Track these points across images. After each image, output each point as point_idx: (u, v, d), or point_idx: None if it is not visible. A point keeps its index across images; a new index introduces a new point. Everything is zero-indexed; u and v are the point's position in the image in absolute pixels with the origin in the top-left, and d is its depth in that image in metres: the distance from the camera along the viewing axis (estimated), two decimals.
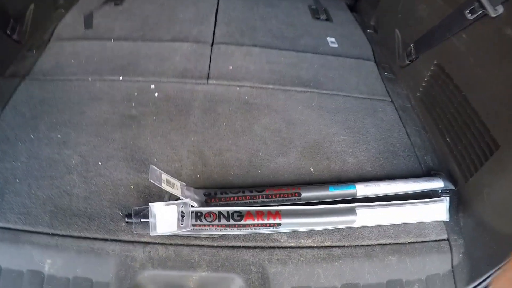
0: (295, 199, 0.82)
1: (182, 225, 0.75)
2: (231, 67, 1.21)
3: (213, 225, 0.75)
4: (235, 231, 0.76)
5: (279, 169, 0.91)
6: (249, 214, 0.77)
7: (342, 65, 1.28)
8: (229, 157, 0.94)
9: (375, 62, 1.34)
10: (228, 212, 0.76)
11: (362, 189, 0.84)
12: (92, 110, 1.02)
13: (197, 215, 0.75)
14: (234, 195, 0.84)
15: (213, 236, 0.79)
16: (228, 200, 0.83)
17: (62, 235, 0.78)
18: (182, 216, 0.75)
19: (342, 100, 1.13)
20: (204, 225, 0.75)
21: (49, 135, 0.94)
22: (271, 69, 1.22)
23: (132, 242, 0.78)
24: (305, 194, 0.82)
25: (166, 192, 0.79)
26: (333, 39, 1.41)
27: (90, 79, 1.11)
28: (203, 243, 0.79)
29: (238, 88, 1.13)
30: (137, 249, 0.77)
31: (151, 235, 0.74)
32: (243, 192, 0.84)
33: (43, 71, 1.13)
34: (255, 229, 0.76)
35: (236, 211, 0.76)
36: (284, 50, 1.31)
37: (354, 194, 0.83)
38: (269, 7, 1.58)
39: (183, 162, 0.93)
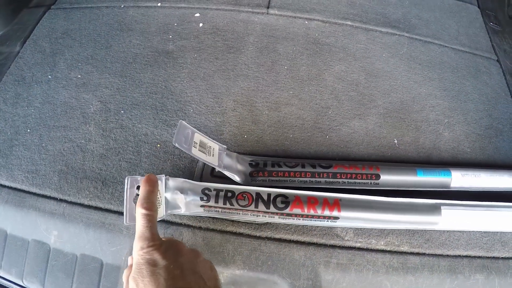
0: (371, 182, 0.71)
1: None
2: None
3: (247, 211, 0.64)
4: (277, 219, 0.65)
5: (353, 137, 0.81)
6: (298, 201, 0.64)
7: (439, 6, 1.18)
8: (288, 114, 0.83)
9: (479, 7, 1.23)
10: (269, 195, 0.65)
11: (459, 179, 0.72)
12: (120, 44, 0.95)
13: (227, 196, 0.64)
14: (290, 169, 0.71)
15: (255, 222, 0.67)
16: (280, 176, 0.70)
17: (70, 202, 0.73)
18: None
19: (438, 51, 1.03)
20: (236, 209, 0.64)
21: (68, 74, 0.89)
22: (350, 1, 1.11)
23: None
24: (385, 177, 0.71)
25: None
26: None
27: (122, 6, 1.04)
28: (242, 230, 0.68)
29: (306, 22, 1.03)
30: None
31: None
32: (303, 166, 0.71)
33: None
34: (303, 220, 0.65)
35: (280, 195, 0.65)
36: None
37: (448, 185, 0.72)
38: None
39: (227, 116, 0.81)
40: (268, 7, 1.05)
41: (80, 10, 1.06)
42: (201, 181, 0.71)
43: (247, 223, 0.68)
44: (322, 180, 0.71)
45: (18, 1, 1.10)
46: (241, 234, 0.67)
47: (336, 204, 0.65)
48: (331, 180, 0.71)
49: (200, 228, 0.68)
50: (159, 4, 1.04)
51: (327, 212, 0.65)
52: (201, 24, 0.98)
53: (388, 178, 0.72)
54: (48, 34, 1.01)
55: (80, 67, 0.91)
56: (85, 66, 0.91)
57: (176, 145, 0.62)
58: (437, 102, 0.91)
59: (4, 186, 0.77)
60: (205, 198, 0.64)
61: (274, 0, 1.07)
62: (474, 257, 0.69)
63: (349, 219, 0.66)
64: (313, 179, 0.71)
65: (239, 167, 0.70)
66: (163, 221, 0.69)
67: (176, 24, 0.99)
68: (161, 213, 0.62)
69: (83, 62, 0.92)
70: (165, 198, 0.63)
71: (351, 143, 0.81)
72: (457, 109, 0.90)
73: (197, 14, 1.00)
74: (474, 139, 0.85)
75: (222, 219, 0.68)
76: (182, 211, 0.65)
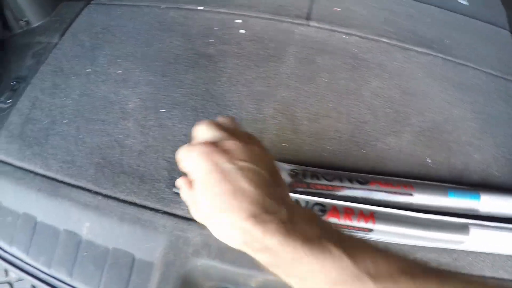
0: (405, 200, 0.76)
1: None
2: (337, 9, 1.17)
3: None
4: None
5: (388, 153, 0.86)
6: (335, 211, 0.70)
7: (472, 28, 1.24)
8: (327, 126, 0.88)
9: (510, 32, 1.26)
10: (307, 203, 0.71)
11: (487, 202, 0.76)
12: (161, 44, 1.02)
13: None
14: (328, 182, 0.75)
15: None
16: (318, 188, 0.75)
17: (106, 195, 0.78)
18: None
19: (470, 73, 1.07)
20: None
21: (108, 69, 0.95)
22: (387, 18, 1.18)
23: (188, 219, 0.74)
24: (418, 196, 0.76)
25: None
26: None
27: (163, 6, 1.10)
28: None
29: (345, 37, 1.09)
30: (192, 230, 0.73)
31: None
32: (341, 180, 0.76)
33: None
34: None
35: (318, 203, 0.71)
36: None
37: (475, 207, 0.76)
38: None
39: (268, 124, 0.86)
40: (308, 19, 1.11)
41: (120, 7, 1.13)
42: None
43: None
44: (359, 196, 0.75)
45: None
46: None
47: (371, 216, 0.70)
48: (367, 196, 0.75)
49: None
50: (200, 8, 1.11)
51: (362, 224, 0.70)
52: (242, 31, 1.05)
53: (421, 196, 0.76)
54: (88, 28, 1.07)
55: (120, 63, 0.97)
56: (125, 62, 0.97)
57: None
58: (468, 124, 0.94)
59: (38, 174, 0.82)
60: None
61: (314, 13, 1.13)
62: (499, 279, 0.72)
63: (383, 233, 0.70)
64: (350, 194, 0.75)
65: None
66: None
67: (218, 28, 1.05)
68: None
69: (123, 58, 0.98)
70: None
71: (386, 159, 0.85)
72: (487, 132, 0.92)
73: (239, 21, 1.07)
74: (503, 163, 0.87)
75: None
76: None
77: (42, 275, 0.78)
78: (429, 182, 0.81)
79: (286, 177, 0.76)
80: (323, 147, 0.85)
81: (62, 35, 1.06)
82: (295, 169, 0.77)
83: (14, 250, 0.80)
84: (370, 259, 0.31)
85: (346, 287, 0.30)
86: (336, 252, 0.31)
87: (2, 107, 0.96)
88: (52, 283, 0.77)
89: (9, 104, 0.95)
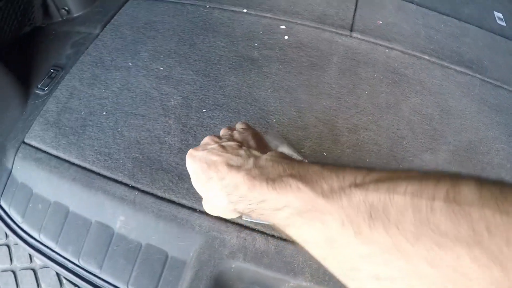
0: None
1: None
2: (380, 22, 1.22)
3: None
4: None
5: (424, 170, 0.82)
6: None
7: (510, 50, 1.26)
8: (367, 138, 0.91)
9: None
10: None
11: None
12: (205, 43, 1.04)
13: None
14: None
15: None
16: None
17: (143, 191, 0.80)
18: None
19: (507, 96, 1.12)
20: None
21: (150, 65, 0.98)
22: (428, 35, 1.22)
23: (226, 220, 0.76)
24: None
25: None
26: (500, 15, 1.42)
27: (207, 6, 1.14)
28: None
29: (387, 51, 1.13)
30: (230, 232, 0.75)
31: None
32: None
33: None
34: None
35: None
36: (444, 15, 1.33)
37: None
38: None
39: (309, 131, 0.89)
40: (351, 30, 1.14)
41: (164, 3, 1.16)
42: None
43: None
44: None
45: None
46: None
47: None
48: None
49: (273, 236, 0.74)
50: (245, 10, 1.14)
51: None
52: (286, 37, 1.07)
53: None
54: (130, 22, 1.11)
55: (162, 60, 1.00)
56: (167, 59, 1.00)
57: None
58: (502, 147, 0.96)
59: (73, 164, 0.85)
60: None
61: (357, 24, 1.17)
62: None
63: None
64: None
65: None
66: (237, 224, 0.75)
67: (262, 33, 1.08)
68: None
69: (165, 55, 1.01)
70: None
71: None
72: None
73: (283, 26, 1.10)
74: None
75: None
76: None
77: (70, 265, 0.80)
78: None
79: None
80: (362, 159, 0.87)
81: (104, 26, 1.10)
82: None
83: (42, 237, 0.82)
84: (324, 181, 0.34)
85: (312, 214, 0.33)
86: (294, 184, 0.35)
87: (39, 94, 0.99)
88: (80, 274, 0.79)
89: (47, 91, 0.98)
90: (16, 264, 1.04)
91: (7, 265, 1.04)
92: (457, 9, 1.36)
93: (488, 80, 1.12)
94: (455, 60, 1.15)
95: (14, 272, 1.03)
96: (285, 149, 0.74)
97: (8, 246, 1.05)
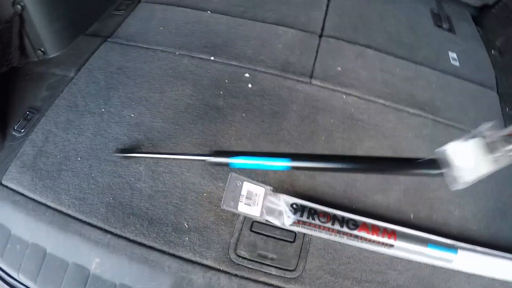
0: (385, 248, 0.92)
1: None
2: (339, 68, 1.33)
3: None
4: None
5: (376, 209, 1.00)
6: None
7: (462, 90, 1.38)
8: (322, 183, 1.03)
9: (498, 92, 1.42)
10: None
11: (463, 257, 0.91)
12: (173, 91, 1.17)
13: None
14: (321, 223, 0.91)
15: (286, 277, 0.88)
16: (313, 226, 0.91)
17: (116, 235, 0.92)
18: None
19: (457, 134, 1.15)
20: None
21: (122, 112, 1.10)
22: (384, 79, 1.33)
23: (193, 262, 0.88)
24: (398, 245, 0.91)
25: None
26: (454, 55, 1.52)
27: (177, 53, 1.27)
28: (274, 282, 0.87)
29: (344, 96, 1.25)
30: (196, 272, 0.87)
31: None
32: (333, 223, 0.91)
33: (127, 35, 1.33)
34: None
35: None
36: (401, 58, 1.43)
37: (451, 259, 0.92)
38: (388, 3, 1.72)
39: (267, 177, 1.02)
40: (311, 77, 1.28)
41: (136, 48, 1.29)
42: (239, 237, 0.91)
43: (280, 276, 0.87)
44: (344, 238, 0.91)
45: (75, 27, 1.32)
46: (272, 285, 0.86)
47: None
48: (353, 239, 0.91)
49: (236, 275, 0.87)
50: (212, 58, 1.28)
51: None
52: (250, 85, 1.21)
53: (401, 245, 0.90)
54: (103, 66, 1.23)
55: (133, 107, 1.12)
56: (138, 106, 1.13)
57: (224, 206, 0.86)
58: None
59: (50, 207, 0.96)
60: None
61: (317, 71, 1.31)
62: None
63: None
64: (337, 235, 0.90)
65: (281, 208, 0.91)
66: (203, 265, 0.88)
67: (227, 81, 1.22)
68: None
69: (136, 102, 1.14)
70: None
71: (373, 215, 0.95)
72: (468, 191, 1.01)
73: (247, 75, 1.23)
74: (480, 218, 1.01)
75: (256, 270, 0.87)
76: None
77: None
78: (411, 232, 0.94)
79: (289, 213, 0.91)
80: (318, 201, 0.97)
81: (78, 70, 1.21)
82: (295, 203, 0.92)
83: (21, 277, 0.93)
84: None
85: None
86: None
87: (15, 136, 1.09)
88: None
89: (23, 134, 1.09)
90: None
91: None
92: (414, 52, 1.47)
93: (440, 120, 1.23)
94: (409, 102, 1.25)
95: None
96: (247, 186, 0.90)
97: None
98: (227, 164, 0.92)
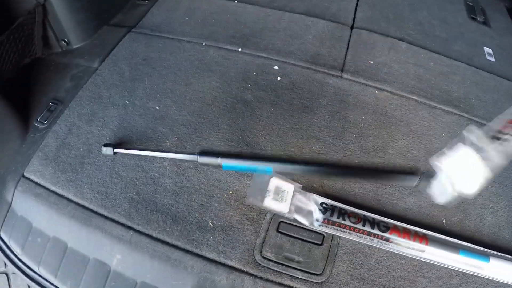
0: (416, 252, 0.89)
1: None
2: (371, 62, 1.30)
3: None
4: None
5: (407, 212, 0.97)
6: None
7: (498, 87, 1.34)
8: (353, 184, 0.99)
9: None
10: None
11: (495, 265, 0.88)
12: (200, 83, 1.15)
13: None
14: (351, 224, 0.89)
15: (312, 281, 0.84)
16: (342, 227, 0.89)
17: (138, 231, 0.90)
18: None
19: None
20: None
21: (146, 103, 1.08)
22: (417, 74, 1.29)
23: (216, 262, 0.86)
24: (430, 250, 0.88)
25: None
26: (490, 50, 1.49)
27: (204, 43, 1.24)
28: (299, 286, 0.84)
29: (376, 92, 1.21)
30: (220, 273, 0.84)
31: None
32: (364, 224, 0.89)
33: (152, 25, 1.31)
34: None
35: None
36: (434, 52, 1.40)
37: (483, 267, 0.89)
38: None
39: (295, 177, 0.97)
40: (342, 71, 1.24)
41: (161, 39, 1.27)
42: (265, 238, 0.88)
43: (307, 280, 0.84)
44: (375, 240, 0.87)
45: (99, 17, 1.31)
46: None
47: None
48: (383, 242, 0.87)
49: (261, 277, 0.84)
50: (240, 49, 1.24)
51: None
52: (279, 78, 1.17)
53: (433, 251, 0.88)
54: (128, 57, 1.21)
55: (158, 99, 1.10)
56: (163, 98, 1.10)
57: (250, 200, 0.84)
58: (484, 187, 1.06)
59: (72, 201, 0.94)
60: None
61: (348, 64, 1.26)
62: None
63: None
64: (368, 237, 0.88)
65: (311, 207, 0.89)
66: (227, 266, 0.85)
67: (255, 73, 1.18)
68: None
69: (162, 94, 1.11)
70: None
71: (404, 218, 0.93)
72: (501, 196, 1.01)
73: (276, 67, 1.20)
74: None
75: (282, 273, 0.84)
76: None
77: None
78: (443, 237, 0.91)
79: (318, 213, 0.88)
80: (348, 203, 0.94)
81: (102, 61, 1.20)
82: (325, 203, 0.90)
83: (41, 270, 0.92)
84: None
85: None
86: None
87: (38, 127, 1.09)
88: None
89: (46, 125, 1.08)
90: None
91: None
92: (447, 46, 1.43)
93: (475, 118, 1.19)
94: (443, 99, 1.22)
95: None
96: (275, 182, 0.88)
97: (7, 275, 1.14)
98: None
